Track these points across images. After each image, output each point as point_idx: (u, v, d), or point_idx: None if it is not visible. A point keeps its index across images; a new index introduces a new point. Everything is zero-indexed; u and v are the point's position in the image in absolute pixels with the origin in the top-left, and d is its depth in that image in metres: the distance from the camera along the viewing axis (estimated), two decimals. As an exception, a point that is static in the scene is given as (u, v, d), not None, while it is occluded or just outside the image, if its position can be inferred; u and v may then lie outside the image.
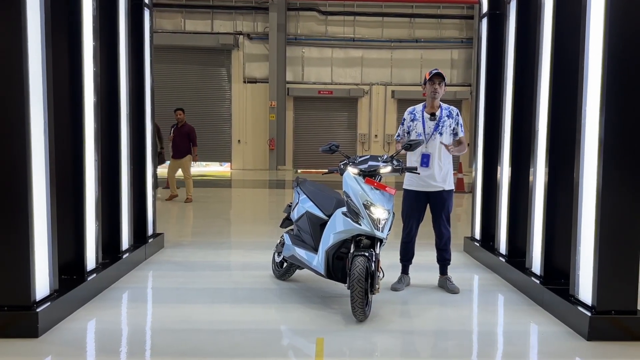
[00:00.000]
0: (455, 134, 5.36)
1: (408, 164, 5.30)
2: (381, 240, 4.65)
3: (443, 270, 5.51)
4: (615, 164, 4.06)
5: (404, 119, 5.45)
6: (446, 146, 5.19)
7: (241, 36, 24.04)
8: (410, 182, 5.34)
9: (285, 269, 5.68)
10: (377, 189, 4.64)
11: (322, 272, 4.81)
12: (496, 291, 5.54)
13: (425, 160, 5.20)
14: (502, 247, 6.14)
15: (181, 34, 23.72)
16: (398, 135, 5.52)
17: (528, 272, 5.40)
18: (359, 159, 4.90)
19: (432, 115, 5.29)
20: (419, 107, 5.44)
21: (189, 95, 23.73)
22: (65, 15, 4.86)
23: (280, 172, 23.05)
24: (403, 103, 24.10)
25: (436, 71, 5.31)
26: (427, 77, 5.29)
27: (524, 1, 5.88)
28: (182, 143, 12.12)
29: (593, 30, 4.22)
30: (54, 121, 4.31)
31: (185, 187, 12.40)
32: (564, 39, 4.99)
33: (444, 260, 5.48)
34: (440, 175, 5.24)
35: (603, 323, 4.08)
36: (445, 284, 5.41)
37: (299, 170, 23.84)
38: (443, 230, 5.38)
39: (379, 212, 4.55)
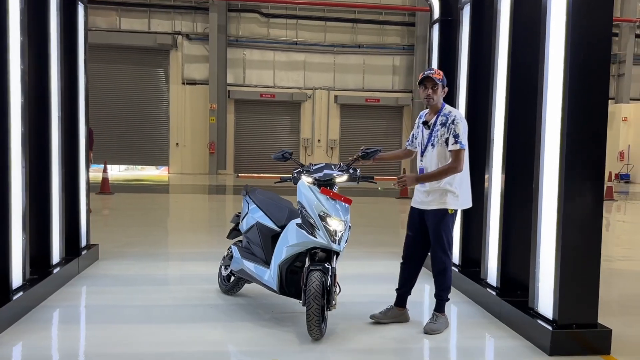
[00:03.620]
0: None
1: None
2: (337, 253, 4.42)
3: (436, 306, 4.60)
4: (578, 176, 3.98)
5: (415, 123, 4.88)
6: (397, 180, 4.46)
7: (180, 36, 23.41)
8: (413, 197, 4.67)
9: (233, 283, 5.34)
10: (333, 199, 4.41)
11: (275, 288, 4.52)
12: (451, 302, 5.38)
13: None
14: (456, 258, 6.03)
15: (116, 33, 22.84)
16: (408, 141, 4.85)
17: (483, 283, 5.30)
18: (314, 167, 4.65)
19: (425, 123, 4.61)
20: (426, 111, 4.69)
21: (124, 96, 22.92)
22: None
23: (221, 177, 22.52)
24: (346, 108, 24.13)
25: (427, 73, 4.51)
26: (419, 80, 4.56)
27: (478, 7, 5.81)
28: None
29: (553, 38, 4.15)
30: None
31: None
32: (520, 45, 4.91)
33: (435, 294, 4.61)
34: (430, 191, 4.46)
35: (565, 337, 3.99)
36: (428, 321, 4.57)
37: (239, 175, 23.38)
38: (435, 258, 4.54)
39: (335, 224, 4.31)
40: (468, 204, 4.61)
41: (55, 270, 5.46)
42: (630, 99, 24.56)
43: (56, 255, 5.64)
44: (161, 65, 23.57)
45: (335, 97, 23.97)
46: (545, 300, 4.20)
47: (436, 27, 6.85)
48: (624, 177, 23.90)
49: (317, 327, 4.13)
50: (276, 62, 23.94)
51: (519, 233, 4.96)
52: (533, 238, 4.38)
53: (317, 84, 24.04)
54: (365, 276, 6.37)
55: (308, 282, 4.16)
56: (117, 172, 23.33)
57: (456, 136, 4.36)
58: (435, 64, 6.88)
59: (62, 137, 5.77)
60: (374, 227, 10.20)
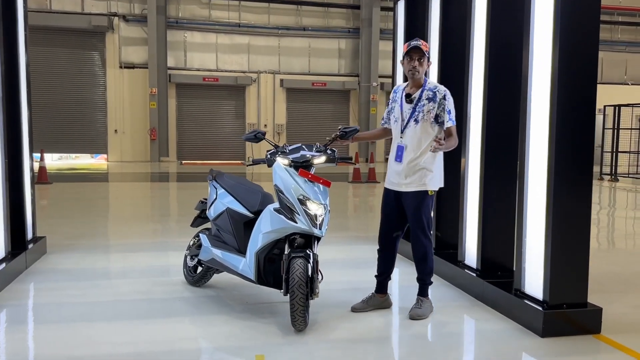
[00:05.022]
0: (440, 123, 4.20)
1: (391, 155, 4.43)
2: (318, 239, 4.16)
3: (419, 290, 4.43)
4: (567, 155, 3.86)
5: (389, 99, 4.58)
6: (436, 142, 4.00)
7: (116, 18, 22.36)
8: (387, 178, 4.42)
9: (200, 274, 5.00)
10: (311, 182, 4.15)
11: (252, 278, 4.22)
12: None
13: (400, 153, 4.23)
14: (429, 240, 5.90)
15: (47, 14, 21.51)
16: (383, 119, 4.64)
17: (461, 265, 5.19)
18: (289, 148, 4.36)
19: (408, 96, 4.30)
20: (404, 85, 4.42)
21: (56, 81, 21.78)
22: None
23: (164, 164, 21.77)
24: (292, 92, 23.77)
25: (415, 43, 4.22)
26: (405, 50, 4.25)
27: (450, -18, 5.64)
28: None
29: (539, 14, 4.01)
30: None
31: None
32: (499, 19, 4.75)
33: (418, 279, 4.42)
34: (409, 171, 4.21)
35: (556, 318, 3.90)
36: (413, 306, 4.39)
37: (183, 162, 22.67)
38: (415, 241, 4.31)
39: (316, 208, 4.06)
40: (442, 183, 4.42)
41: (0, 267, 4.96)
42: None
43: (1, 249, 5.13)
44: (96, 48, 22.46)
45: (281, 80, 23.55)
46: (534, 281, 4.10)
47: (401, 5, 6.64)
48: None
49: (302, 318, 3.88)
50: (219, 44, 23.25)
51: (498, 213, 4.88)
52: (518, 218, 4.27)
53: (262, 67, 23.53)
54: (337, 262, 6.14)
55: (290, 270, 3.90)
56: (51, 161, 22.09)
57: (449, 112, 4.20)
58: (400, 43, 6.69)
59: (3, 123, 5.23)
60: (333, 211, 9.98)
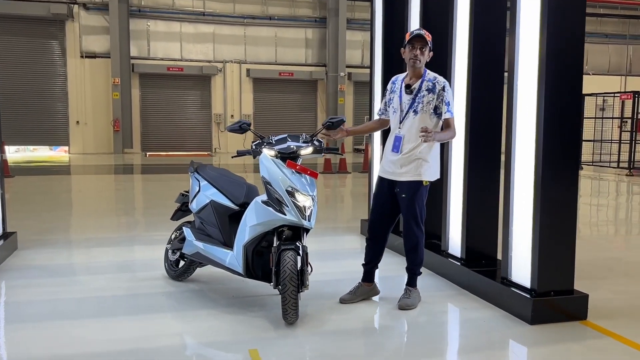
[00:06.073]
0: (438, 115, 4.20)
1: (387, 145, 4.39)
2: (307, 230, 4.12)
3: (408, 280, 4.44)
4: (555, 145, 3.90)
5: (386, 90, 4.53)
6: (424, 131, 3.95)
7: (76, 5, 21.68)
8: (381, 167, 4.41)
9: (183, 268, 4.89)
10: (298, 173, 4.09)
11: (240, 271, 4.15)
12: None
13: (397, 144, 4.20)
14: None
15: (2, 1, 20.67)
16: (379, 110, 4.59)
17: (445, 254, 5.21)
18: (275, 139, 4.29)
19: (408, 87, 4.25)
20: (402, 75, 4.38)
21: (13, 71, 21.01)
22: None
23: (128, 156, 21.31)
24: (259, 82, 23.54)
25: (418, 32, 4.18)
26: (407, 39, 4.20)
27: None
28: None
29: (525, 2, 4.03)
30: None
31: None
32: (482, 6, 4.76)
33: (407, 269, 4.43)
34: (405, 161, 4.18)
35: (544, 306, 3.96)
36: (401, 296, 4.39)
37: (148, 154, 22.24)
38: (407, 231, 4.30)
39: (304, 199, 4.01)
40: (437, 175, 4.42)
41: (-28, 265, 4.76)
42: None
43: (-28, 247, 4.92)
44: (56, 37, 21.75)
45: (248, 70, 23.27)
46: (521, 269, 4.15)
47: (379, -7, 6.60)
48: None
49: (293, 311, 3.84)
50: (183, 33, 22.81)
51: (482, 202, 4.92)
52: (505, 207, 4.31)
53: (227, 57, 23.20)
54: (319, 253, 6.10)
55: (281, 263, 3.85)
56: (8, 153, 21.32)
57: (448, 104, 4.17)
58: (379, 37, 6.63)
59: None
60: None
